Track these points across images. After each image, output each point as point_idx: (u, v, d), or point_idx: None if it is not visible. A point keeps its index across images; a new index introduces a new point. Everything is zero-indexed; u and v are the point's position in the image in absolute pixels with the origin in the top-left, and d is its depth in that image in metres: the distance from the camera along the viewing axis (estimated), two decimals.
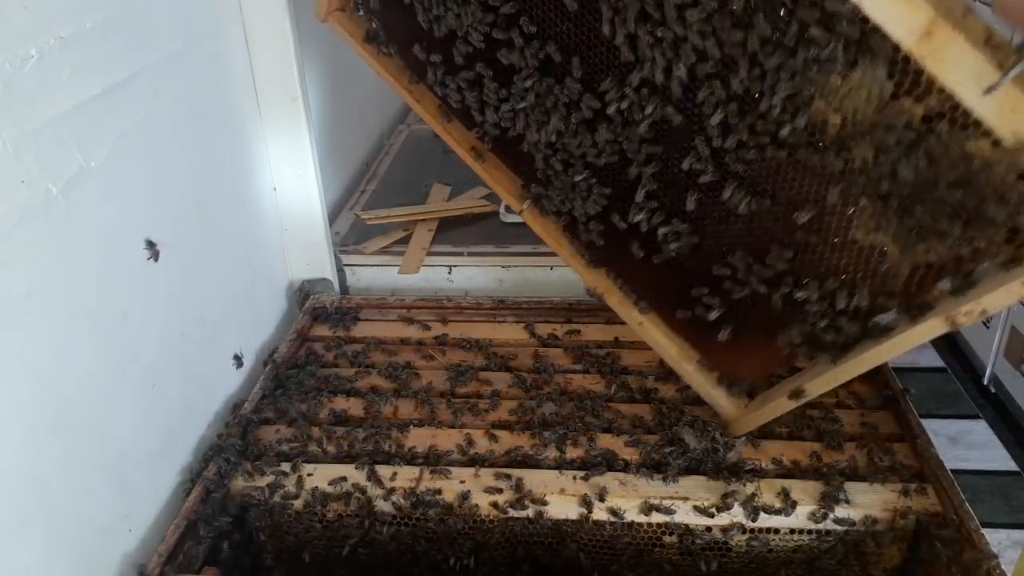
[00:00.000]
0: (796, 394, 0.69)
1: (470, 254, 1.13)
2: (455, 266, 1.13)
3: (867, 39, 0.51)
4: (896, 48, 0.50)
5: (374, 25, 0.82)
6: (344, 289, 1.14)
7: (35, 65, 0.57)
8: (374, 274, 1.14)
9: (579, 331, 0.95)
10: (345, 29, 0.83)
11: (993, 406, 1.58)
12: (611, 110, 0.68)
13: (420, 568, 0.76)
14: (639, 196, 0.72)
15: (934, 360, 1.72)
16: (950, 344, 1.74)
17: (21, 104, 0.56)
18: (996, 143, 0.48)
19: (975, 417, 1.57)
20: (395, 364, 0.89)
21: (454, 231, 1.19)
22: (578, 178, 0.75)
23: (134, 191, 0.72)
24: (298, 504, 0.74)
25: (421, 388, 0.86)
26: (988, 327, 1.58)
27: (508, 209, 1.20)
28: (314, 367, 0.89)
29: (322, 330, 0.98)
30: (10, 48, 0.55)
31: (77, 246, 0.64)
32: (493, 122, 0.79)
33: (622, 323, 0.85)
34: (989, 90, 0.47)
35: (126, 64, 0.69)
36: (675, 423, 0.78)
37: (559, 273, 1.11)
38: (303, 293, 1.06)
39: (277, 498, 0.74)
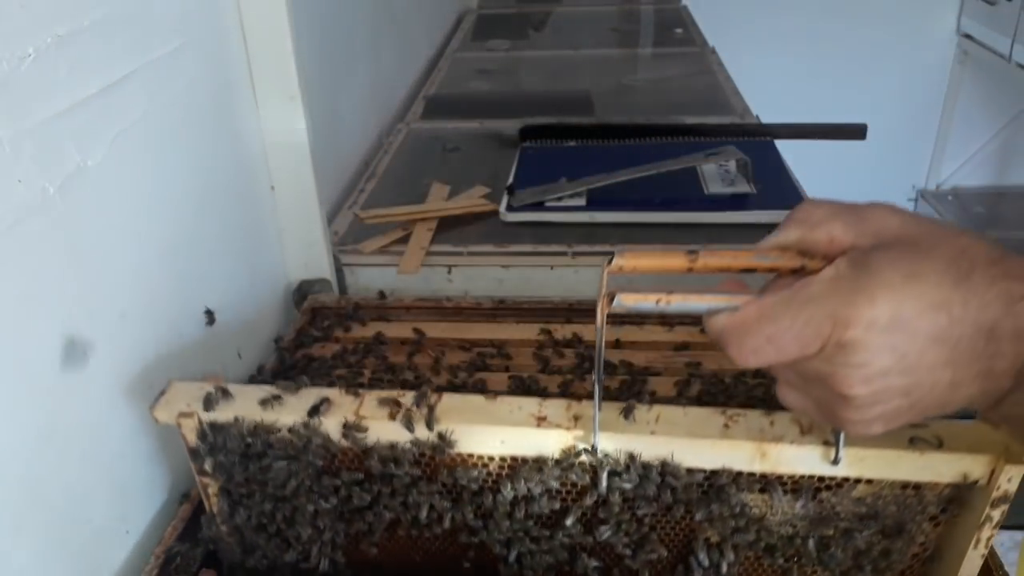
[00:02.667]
0: None
1: (470, 254, 1.13)
2: (455, 266, 1.12)
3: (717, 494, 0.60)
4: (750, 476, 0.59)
5: None
6: (343, 289, 1.14)
7: (32, 63, 0.57)
8: (373, 273, 1.14)
9: (580, 331, 0.94)
10: None
11: None
12: None
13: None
14: None
15: None
16: None
17: (18, 103, 0.56)
18: (869, 481, 0.58)
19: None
20: (393, 364, 0.89)
21: (454, 230, 1.18)
22: None
23: (131, 190, 0.71)
24: None
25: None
26: None
27: (508, 208, 1.20)
28: (313, 367, 0.89)
29: (320, 329, 0.97)
30: (7, 46, 0.55)
31: (74, 246, 0.63)
32: None
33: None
34: (836, 461, 0.56)
35: (124, 62, 0.69)
36: None
37: (559, 273, 1.11)
38: (301, 293, 1.06)
39: None
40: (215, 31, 0.87)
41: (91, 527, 0.66)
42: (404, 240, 1.16)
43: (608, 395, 0.82)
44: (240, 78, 0.92)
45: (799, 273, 0.47)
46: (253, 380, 0.86)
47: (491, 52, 2.21)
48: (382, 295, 1.04)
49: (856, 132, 1.42)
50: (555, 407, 0.61)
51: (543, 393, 0.84)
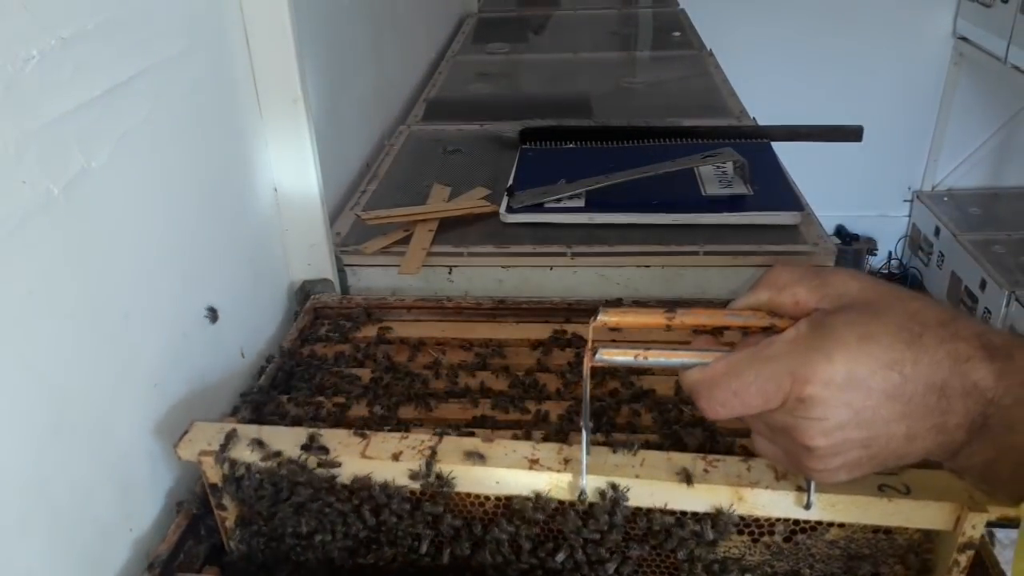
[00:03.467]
0: None
1: (470, 254, 1.13)
2: (455, 266, 1.13)
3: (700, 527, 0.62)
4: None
5: None
6: (344, 289, 1.14)
7: (37, 66, 0.57)
8: (374, 274, 1.14)
9: (579, 331, 0.95)
10: None
11: None
12: None
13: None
14: None
15: None
16: None
17: (23, 105, 0.56)
18: (841, 525, 0.61)
19: None
20: (394, 364, 0.89)
21: (454, 231, 1.19)
22: None
23: (135, 192, 0.72)
24: None
25: (419, 389, 0.86)
26: None
27: (508, 209, 1.20)
28: (315, 366, 0.89)
29: (322, 330, 0.98)
30: (11, 49, 0.55)
31: (78, 246, 0.64)
32: None
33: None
34: (808, 506, 0.59)
35: (128, 65, 0.69)
36: (675, 422, 0.79)
37: (559, 273, 1.12)
38: (304, 293, 1.07)
39: None
40: (219, 34, 0.87)
41: (95, 526, 0.67)
42: (405, 241, 1.16)
43: (609, 394, 0.83)
44: (244, 80, 0.93)
45: (768, 332, 0.51)
46: (257, 376, 0.87)
47: (491, 55, 2.22)
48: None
49: (852, 134, 1.43)
50: (547, 450, 0.65)
51: (542, 392, 0.84)
